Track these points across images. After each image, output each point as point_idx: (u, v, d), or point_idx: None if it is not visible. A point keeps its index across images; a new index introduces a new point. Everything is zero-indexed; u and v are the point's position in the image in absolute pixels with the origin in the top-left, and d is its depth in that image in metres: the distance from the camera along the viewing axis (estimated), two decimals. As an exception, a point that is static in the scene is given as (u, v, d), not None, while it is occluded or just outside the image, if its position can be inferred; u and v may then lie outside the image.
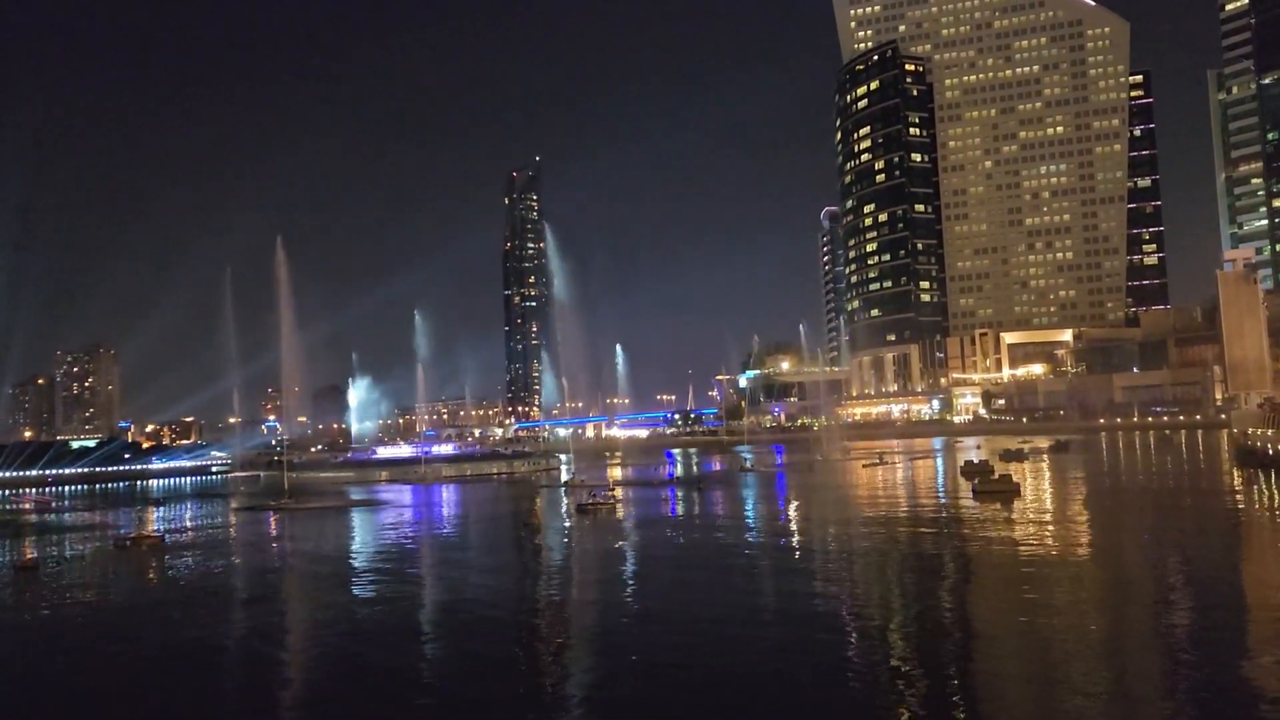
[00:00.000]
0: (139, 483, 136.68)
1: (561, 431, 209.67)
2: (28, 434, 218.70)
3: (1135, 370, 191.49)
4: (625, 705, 16.03)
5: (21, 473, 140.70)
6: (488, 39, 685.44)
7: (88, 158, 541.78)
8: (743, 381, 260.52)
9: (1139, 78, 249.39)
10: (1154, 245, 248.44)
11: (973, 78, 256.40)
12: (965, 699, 15.75)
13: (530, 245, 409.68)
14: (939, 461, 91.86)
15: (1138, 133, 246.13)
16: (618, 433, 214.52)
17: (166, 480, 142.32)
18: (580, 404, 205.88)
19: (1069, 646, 18.34)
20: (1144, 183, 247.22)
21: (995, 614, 22.06)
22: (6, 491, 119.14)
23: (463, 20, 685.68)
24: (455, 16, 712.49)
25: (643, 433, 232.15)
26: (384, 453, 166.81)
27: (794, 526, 43.31)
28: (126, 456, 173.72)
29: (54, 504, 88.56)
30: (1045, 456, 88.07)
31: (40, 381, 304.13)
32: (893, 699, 15.97)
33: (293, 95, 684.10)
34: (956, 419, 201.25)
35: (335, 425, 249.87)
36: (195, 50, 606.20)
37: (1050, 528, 36.56)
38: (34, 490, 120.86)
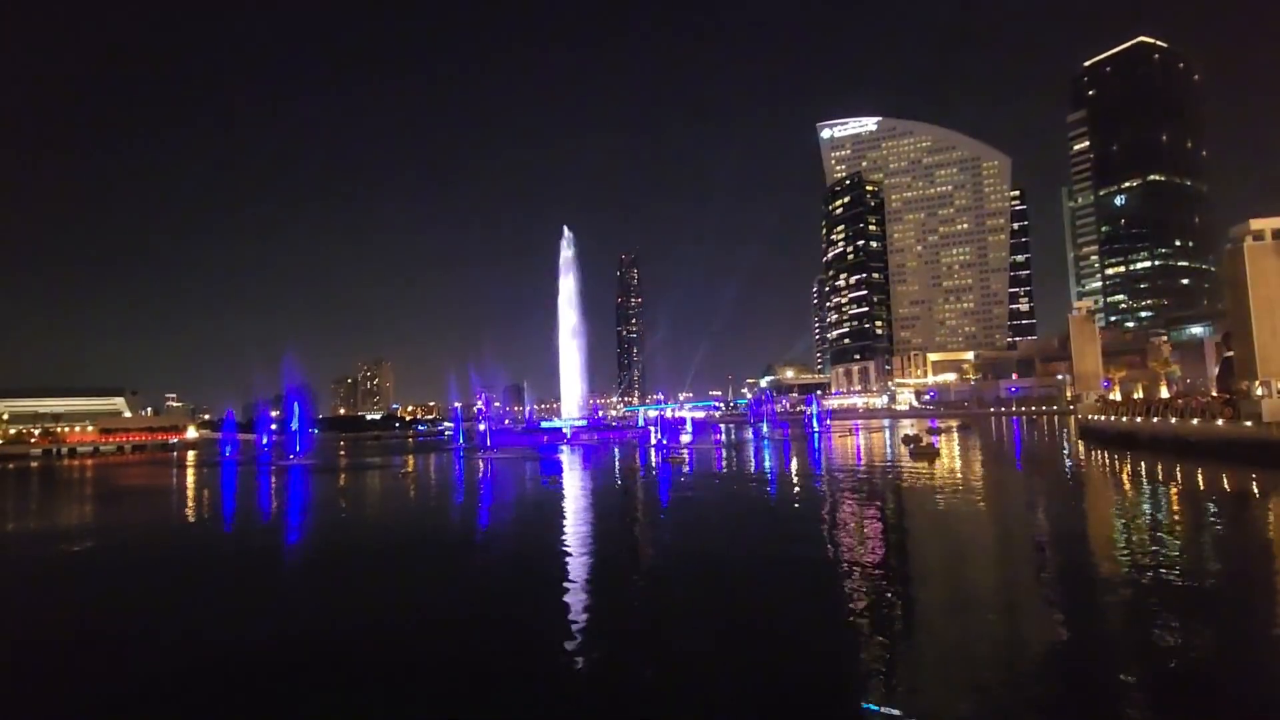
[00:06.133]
0: (405, 440, 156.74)
1: (652, 413, 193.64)
2: (341, 411, 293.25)
3: (1014, 377, 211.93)
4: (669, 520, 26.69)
5: (337, 433, 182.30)
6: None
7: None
8: (763, 383, 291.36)
9: (1016, 192, 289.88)
10: (1026, 298, 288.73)
11: (909, 194, 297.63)
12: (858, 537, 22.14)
13: (633, 300, 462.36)
14: (886, 434, 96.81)
15: (1015, 227, 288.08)
16: (685, 414, 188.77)
17: (418, 439, 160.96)
18: (662, 396, 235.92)
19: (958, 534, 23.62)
20: (1019, 259, 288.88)
21: (910, 519, 27.66)
22: (329, 445, 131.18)
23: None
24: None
25: (700, 414, 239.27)
26: (546, 425, 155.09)
27: (793, 470, 50.31)
28: (396, 425, 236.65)
29: (354, 452, 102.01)
30: (955, 432, 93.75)
31: (349, 380, 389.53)
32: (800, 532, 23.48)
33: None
34: (898, 408, 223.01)
35: (516, 408, 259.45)
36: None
37: (958, 475, 42.30)
38: (342, 443, 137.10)
